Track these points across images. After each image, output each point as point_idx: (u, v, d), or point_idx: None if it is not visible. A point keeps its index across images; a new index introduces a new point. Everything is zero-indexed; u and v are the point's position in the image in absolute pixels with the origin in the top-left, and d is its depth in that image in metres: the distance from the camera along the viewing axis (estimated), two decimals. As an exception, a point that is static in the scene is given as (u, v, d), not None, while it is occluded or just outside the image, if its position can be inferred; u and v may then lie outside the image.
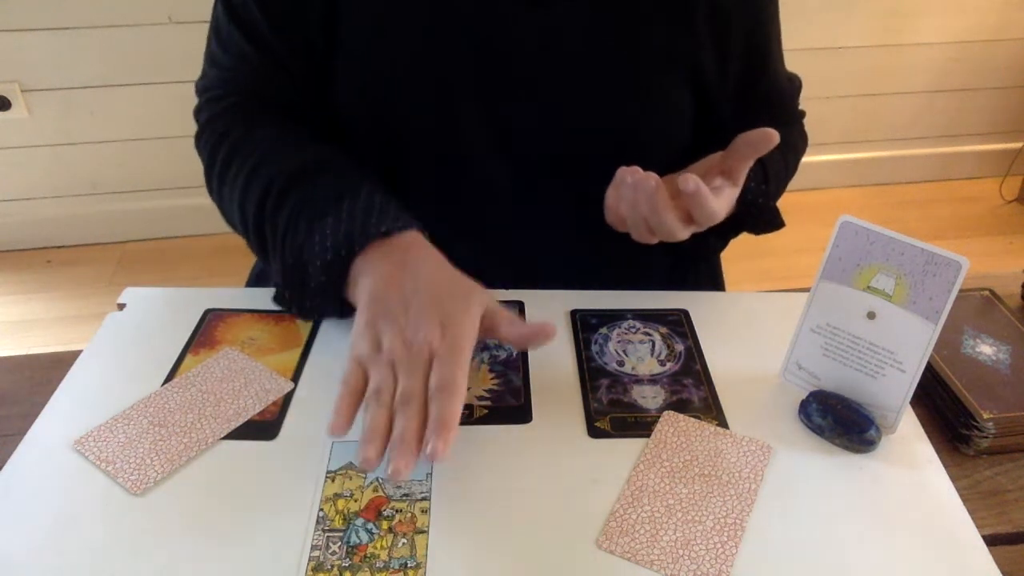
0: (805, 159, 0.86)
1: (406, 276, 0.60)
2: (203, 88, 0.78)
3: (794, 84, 0.86)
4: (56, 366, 0.66)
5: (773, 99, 0.82)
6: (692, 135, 0.77)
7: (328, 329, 0.70)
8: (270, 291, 0.73)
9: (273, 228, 0.66)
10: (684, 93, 0.75)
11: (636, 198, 0.63)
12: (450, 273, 0.62)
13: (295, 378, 0.64)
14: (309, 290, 0.63)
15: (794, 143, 0.84)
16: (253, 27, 0.72)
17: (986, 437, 0.62)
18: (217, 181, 0.73)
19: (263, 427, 0.60)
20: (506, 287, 0.74)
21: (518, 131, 0.74)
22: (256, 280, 0.89)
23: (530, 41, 0.71)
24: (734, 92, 0.78)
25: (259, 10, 0.71)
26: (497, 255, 0.75)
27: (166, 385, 0.63)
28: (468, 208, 0.78)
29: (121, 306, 0.72)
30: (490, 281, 0.73)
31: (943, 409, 0.65)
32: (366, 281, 0.60)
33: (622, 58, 0.72)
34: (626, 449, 0.58)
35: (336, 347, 0.68)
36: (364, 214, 0.63)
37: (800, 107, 0.87)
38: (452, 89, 0.72)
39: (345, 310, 0.64)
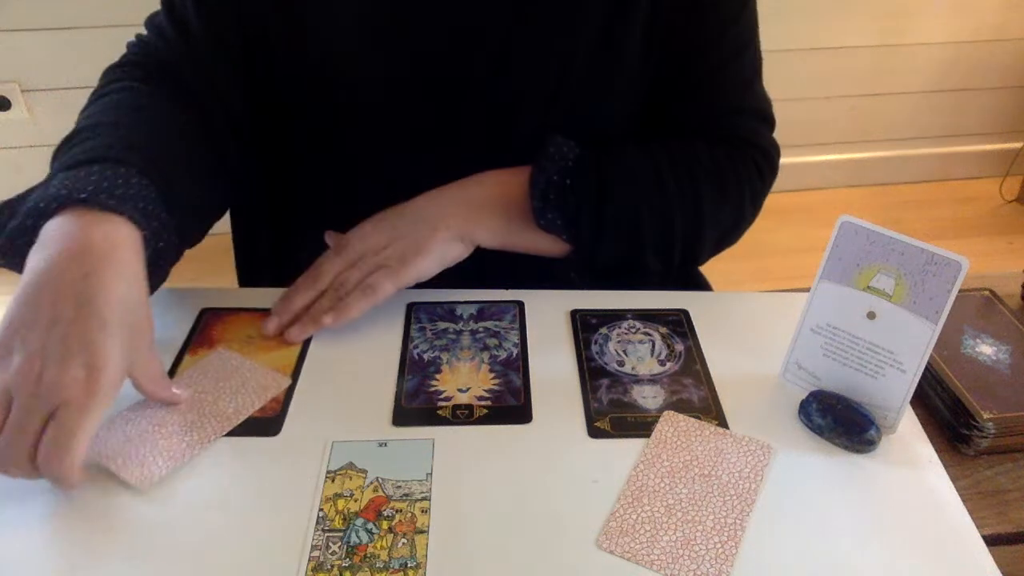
0: (805, 159, 0.82)
1: (78, 278, 0.52)
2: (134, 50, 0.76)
3: (746, 100, 0.78)
4: (56, 366, 0.65)
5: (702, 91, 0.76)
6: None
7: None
8: (268, 291, 0.73)
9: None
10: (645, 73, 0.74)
11: None
12: (135, 298, 0.54)
13: (295, 375, 0.64)
14: (4, 230, 0.57)
15: (685, 164, 0.74)
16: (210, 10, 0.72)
17: (986, 437, 0.62)
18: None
19: (265, 424, 0.60)
20: (506, 287, 0.74)
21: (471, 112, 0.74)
22: (254, 277, 0.90)
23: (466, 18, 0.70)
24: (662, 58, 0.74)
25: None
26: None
27: None
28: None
29: (121, 306, 0.72)
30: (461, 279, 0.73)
31: (943, 409, 0.65)
32: (37, 258, 0.53)
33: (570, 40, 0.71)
34: (626, 449, 0.58)
35: (335, 343, 0.68)
36: (95, 180, 0.57)
37: (761, 143, 0.78)
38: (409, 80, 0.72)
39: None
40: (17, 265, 0.56)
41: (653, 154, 0.73)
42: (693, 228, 0.74)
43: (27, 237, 0.56)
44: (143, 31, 0.77)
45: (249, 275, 0.90)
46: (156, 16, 0.76)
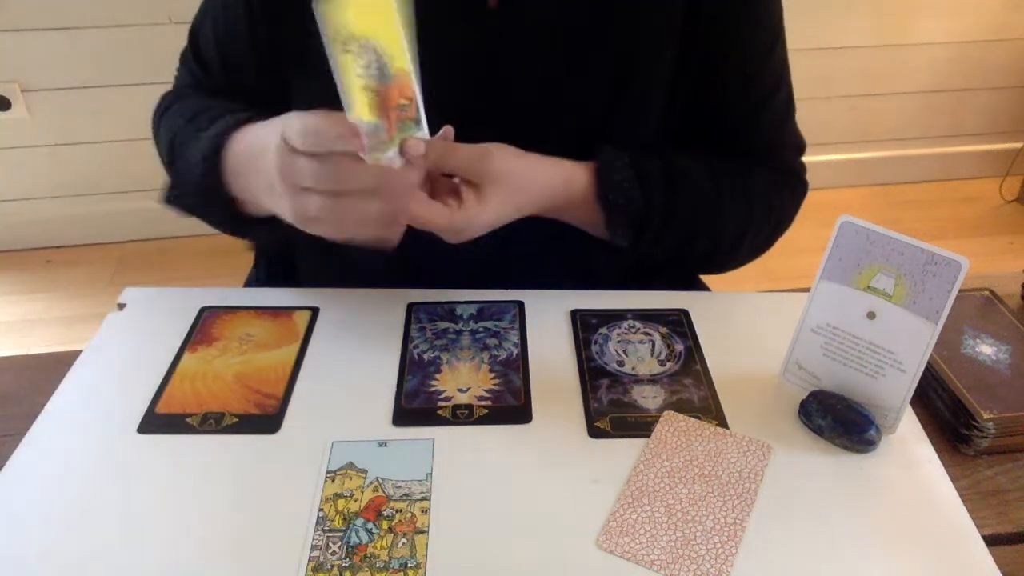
0: (805, 159, 0.82)
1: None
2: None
3: (774, 118, 0.78)
4: (56, 366, 0.66)
5: (733, 117, 0.76)
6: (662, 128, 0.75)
7: (326, 324, 0.70)
8: (269, 291, 0.73)
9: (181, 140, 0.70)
10: (656, 90, 0.73)
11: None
12: None
13: (294, 374, 0.64)
14: (192, 185, 0.66)
15: (736, 183, 0.74)
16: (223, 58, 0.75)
17: (986, 437, 0.62)
18: (159, 120, 0.76)
19: (264, 421, 0.60)
20: (506, 287, 0.74)
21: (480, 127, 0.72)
22: (255, 283, 0.89)
23: (495, 41, 0.69)
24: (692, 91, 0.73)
25: (217, 50, 0.75)
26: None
27: None
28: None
29: (121, 306, 0.72)
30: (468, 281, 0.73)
31: (943, 409, 0.65)
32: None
33: (594, 53, 0.71)
34: (626, 449, 0.58)
35: (335, 343, 0.68)
36: (232, 120, 0.66)
37: (797, 169, 0.79)
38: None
39: (231, 210, 0.66)
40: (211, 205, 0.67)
41: (714, 170, 0.73)
42: (732, 246, 0.76)
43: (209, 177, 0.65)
44: (175, 69, 0.81)
45: (267, 271, 0.89)
46: (184, 56, 0.80)
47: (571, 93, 0.70)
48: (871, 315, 0.59)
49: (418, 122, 0.55)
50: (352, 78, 0.51)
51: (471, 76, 0.69)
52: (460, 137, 0.68)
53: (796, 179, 0.79)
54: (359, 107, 0.53)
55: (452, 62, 0.68)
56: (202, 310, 0.71)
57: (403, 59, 0.51)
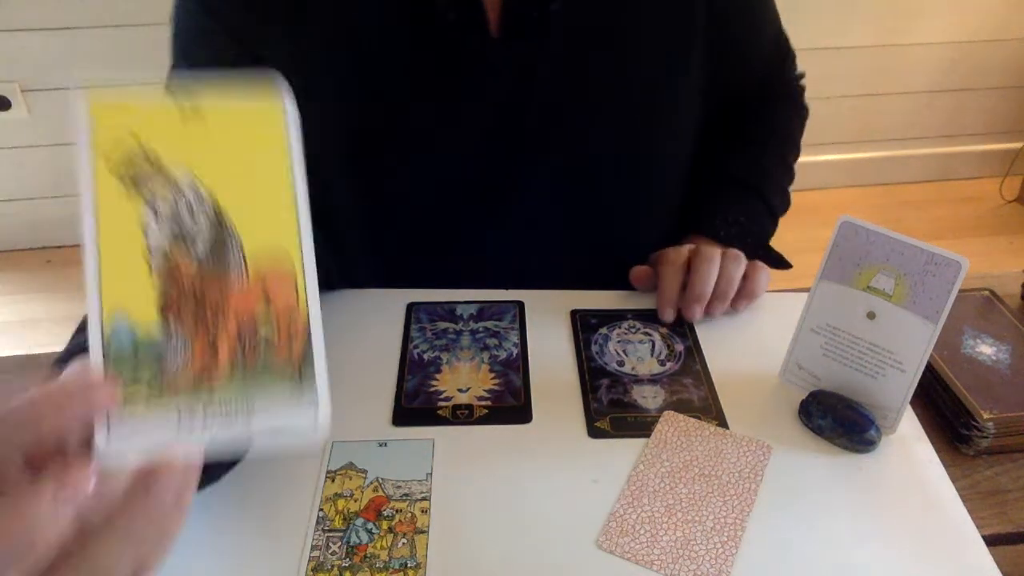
0: (805, 159, 0.84)
1: None
2: None
3: (782, 50, 0.86)
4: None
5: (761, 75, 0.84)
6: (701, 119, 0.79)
7: (326, 324, 0.69)
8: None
9: None
10: (688, 87, 0.75)
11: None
12: None
13: (295, 378, 0.64)
14: None
15: (788, 133, 0.87)
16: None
17: (986, 437, 0.62)
18: None
19: (263, 427, 0.60)
20: (506, 287, 0.74)
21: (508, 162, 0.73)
22: None
23: (506, 72, 0.69)
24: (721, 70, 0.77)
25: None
26: (493, 261, 0.76)
27: None
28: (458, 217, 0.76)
29: (121, 306, 0.72)
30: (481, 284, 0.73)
31: (943, 409, 0.65)
32: None
33: (615, 76, 0.72)
34: (626, 449, 0.58)
35: (335, 343, 0.68)
36: None
37: (798, 72, 0.89)
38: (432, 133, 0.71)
39: None
40: None
41: (774, 146, 0.85)
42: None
43: None
44: None
45: None
46: None
47: (596, 100, 0.72)
48: (871, 315, 0.59)
49: (299, 394, 0.25)
50: (126, 237, 0.23)
51: (489, 104, 0.70)
52: (504, 162, 0.71)
53: (804, 108, 0.90)
54: (127, 299, 0.24)
55: (467, 96, 0.68)
56: (202, 310, 0.71)
57: (288, 231, 0.23)
